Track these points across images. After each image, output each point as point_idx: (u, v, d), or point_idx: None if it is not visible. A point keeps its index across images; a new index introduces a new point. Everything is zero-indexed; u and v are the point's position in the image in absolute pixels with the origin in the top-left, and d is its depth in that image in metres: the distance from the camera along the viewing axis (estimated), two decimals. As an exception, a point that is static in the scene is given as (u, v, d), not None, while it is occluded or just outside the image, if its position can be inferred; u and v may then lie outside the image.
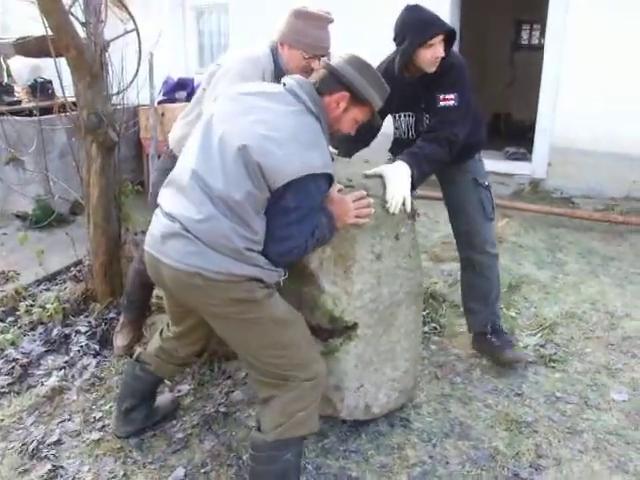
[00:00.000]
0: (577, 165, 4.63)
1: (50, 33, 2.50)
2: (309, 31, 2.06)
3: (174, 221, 1.60)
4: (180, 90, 4.67)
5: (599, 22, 4.43)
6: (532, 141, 5.08)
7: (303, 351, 1.72)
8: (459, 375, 2.52)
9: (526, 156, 5.19)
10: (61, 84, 2.81)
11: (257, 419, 1.82)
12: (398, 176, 1.95)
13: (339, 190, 1.82)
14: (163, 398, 2.34)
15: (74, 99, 2.75)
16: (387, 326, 2.07)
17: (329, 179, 1.62)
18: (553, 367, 2.53)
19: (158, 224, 1.67)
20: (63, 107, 3.03)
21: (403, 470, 2.00)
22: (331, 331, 2.01)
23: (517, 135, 5.84)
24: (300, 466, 1.82)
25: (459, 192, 2.47)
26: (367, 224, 1.89)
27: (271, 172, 1.51)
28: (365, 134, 2.49)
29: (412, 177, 1.98)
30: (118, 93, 3.03)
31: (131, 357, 2.30)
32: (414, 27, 2.14)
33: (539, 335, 2.76)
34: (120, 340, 2.66)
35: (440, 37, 2.13)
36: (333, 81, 1.66)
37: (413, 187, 1.99)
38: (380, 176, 1.98)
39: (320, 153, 1.58)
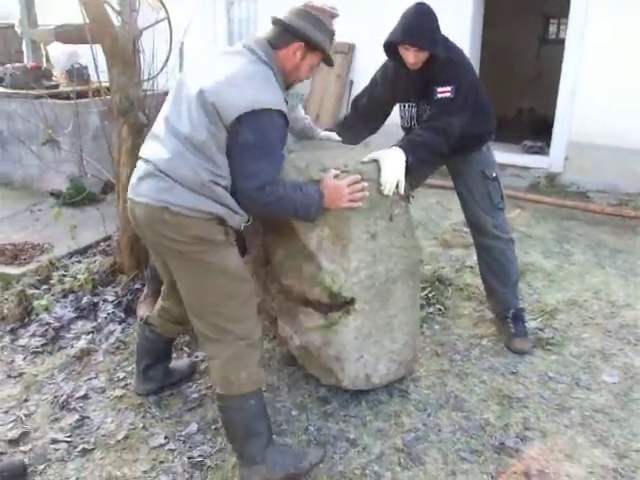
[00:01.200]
0: (594, 160, 4.66)
1: (87, 22, 2.71)
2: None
3: (148, 163, 1.77)
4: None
5: (618, 19, 4.44)
6: (550, 135, 5.13)
7: (243, 308, 1.85)
8: (459, 353, 2.65)
9: (544, 150, 5.23)
10: (96, 70, 3.02)
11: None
12: (392, 160, 2.08)
13: (335, 175, 1.95)
14: (181, 362, 2.55)
15: (108, 84, 2.96)
16: (384, 301, 2.22)
17: (283, 116, 1.75)
18: (549, 350, 2.64)
19: (137, 170, 1.85)
20: (98, 91, 3.25)
21: (398, 435, 2.16)
22: (330, 306, 2.16)
23: (541, 129, 5.86)
24: (266, 408, 1.95)
25: (467, 183, 2.60)
26: (362, 207, 2.02)
27: (224, 108, 1.66)
28: (371, 122, 2.67)
29: (407, 162, 2.11)
30: (149, 79, 3.23)
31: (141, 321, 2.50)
32: (395, 25, 2.32)
33: (539, 320, 2.87)
34: (143, 310, 2.86)
35: (408, 46, 2.27)
36: (288, 34, 1.84)
37: (409, 172, 2.12)
38: (376, 161, 2.11)
39: (271, 93, 1.74)
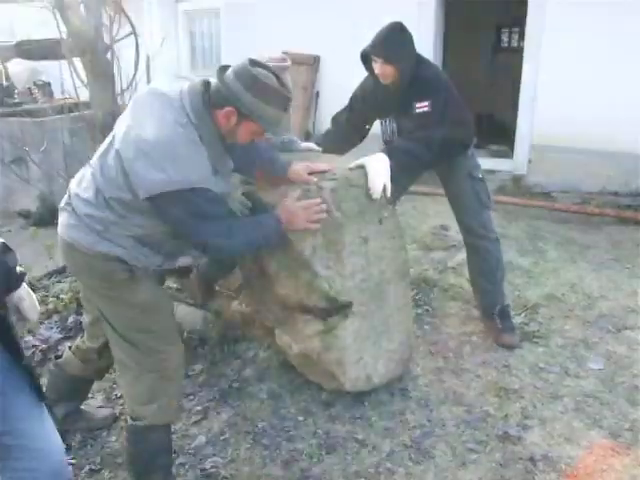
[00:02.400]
0: (555, 162, 4.91)
1: (63, 37, 2.68)
2: None
3: (68, 194, 1.78)
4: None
5: (575, 26, 4.72)
6: (513, 140, 5.36)
7: (152, 340, 1.79)
8: (451, 351, 2.74)
9: (508, 153, 5.46)
10: (74, 86, 2.99)
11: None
12: (378, 165, 2.16)
13: (298, 196, 1.99)
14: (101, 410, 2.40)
15: (75, 100, 2.93)
16: (379, 302, 2.28)
17: (204, 191, 1.61)
18: (536, 342, 2.76)
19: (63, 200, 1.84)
20: (68, 108, 3.20)
21: (405, 432, 2.21)
22: (329, 310, 2.21)
23: (501, 134, 6.11)
24: (171, 446, 1.94)
25: (456, 186, 2.72)
26: (352, 213, 2.10)
27: (137, 184, 1.59)
28: (353, 136, 2.79)
29: (391, 167, 2.19)
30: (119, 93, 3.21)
31: None
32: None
33: (523, 315, 3.00)
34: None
35: (376, 58, 2.44)
36: (221, 96, 1.62)
37: (392, 177, 2.20)
38: (363, 167, 2.18)
39: (195, 168, 1.59)
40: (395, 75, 2.45)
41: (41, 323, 2.97)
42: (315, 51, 6.10)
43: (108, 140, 1.75)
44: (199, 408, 2.38)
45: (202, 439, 2.20)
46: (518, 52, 7.85)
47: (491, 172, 5.16)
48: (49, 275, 3.42)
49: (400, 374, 2.47)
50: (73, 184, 1.79)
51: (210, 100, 1.64)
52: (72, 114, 3.41)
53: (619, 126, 4.58)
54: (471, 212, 2.70)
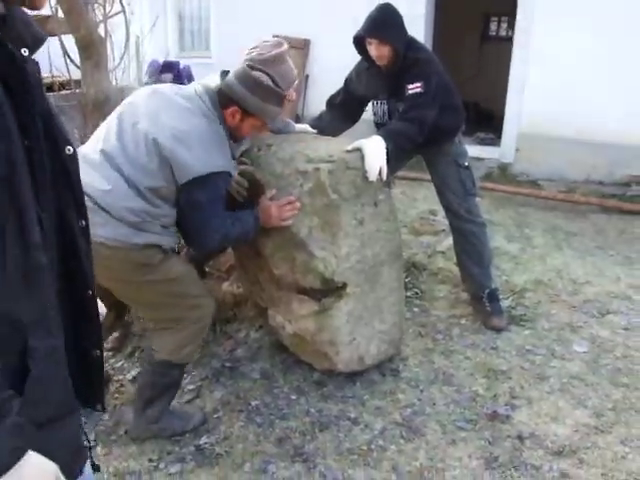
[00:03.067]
0: (542, 151, 4.97)
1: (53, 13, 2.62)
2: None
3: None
4: (166, 73, 4.76)
5: (564, 16, 4.76)
6: (499, 128, 5.41)
7: (191, 299, 2.00)
8: (440, 333, 2.79)
9: (495, 141, 5.52)
10: (67, 62, 2.93)
11: (151, 339, 2.15)
12: (374, 148, 2.17)
13: (271, 195, 2.09)
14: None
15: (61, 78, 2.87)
16: (373, 284, 2.31)
17: (229, 176, 1.90)
18: (523, 326, 2.82)
19: None
20: (58, 86, 3.14)
21: (396, 411, 2.25)
22: (324, 291, 2.23)
23: (487, 123, 6.17)
24: (180, 383, 2.18)
25: (442, 173, 2.76)
26: (349, 195, 2.14)
27: (179, 169, 1.74)
28: (347, 118, 2.80)
29: (387, 149, 2.22)
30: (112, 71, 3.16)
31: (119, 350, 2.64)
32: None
33: (510, 299, 3.06)
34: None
35: (371, 40, 2.45)
36: (226, 97, 1.85)
37: (388, 159, 2.22)
38: (359, 149, 2.19)
39: (223, 156, 1.83)
40: (390, 55, 2.46)
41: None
42: (305, 34, 6.06)
43: (117, 127, 1.81)
44: (192, 387, 2.39)
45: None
46: (506, 41, 7.93)
47: (478, 159, 5.21)
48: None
49: (391, 355, 2.51)
50: (88, 181, 1.74)
51: (218, 100, 1.86)
52: (61, 92, 3.34)
53: (605, 117, 4.66)
54: (456, 198, 2.74)
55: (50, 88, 3.86)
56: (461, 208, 2.75)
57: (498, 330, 2.78)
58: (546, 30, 4.83)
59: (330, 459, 2.00)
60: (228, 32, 6.23)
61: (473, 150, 5.35)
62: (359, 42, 2.54)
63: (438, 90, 2.47)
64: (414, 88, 2.43)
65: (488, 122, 6.20)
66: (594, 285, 3.22)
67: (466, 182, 2.73)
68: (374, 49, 2.46)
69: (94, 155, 1.78)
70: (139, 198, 1.75)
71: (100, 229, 1.69)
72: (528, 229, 3.99)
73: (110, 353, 2.63)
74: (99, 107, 2.79)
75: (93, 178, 1.72)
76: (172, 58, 6.17)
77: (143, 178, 1.74)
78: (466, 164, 2.75)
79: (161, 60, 5.02)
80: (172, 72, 4.90)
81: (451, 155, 2.72)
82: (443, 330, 2.81)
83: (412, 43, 2.51)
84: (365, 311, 2.31)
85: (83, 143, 3.06)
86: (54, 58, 3.71)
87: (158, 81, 4.92)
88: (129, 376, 2.48)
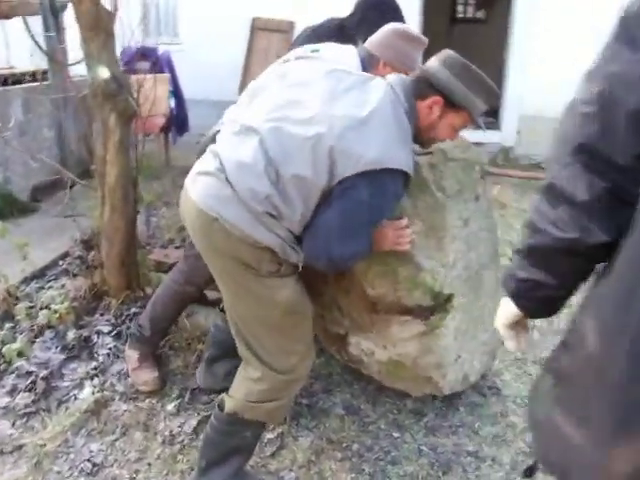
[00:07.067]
0: (544, 132, 4.81)
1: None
2: (411, 54, 1.89)
3: (216, 159, 1.48)
4: (142, 60, 4.20)
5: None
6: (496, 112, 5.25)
7: (291, 342, 1.59)
8: (521, 338, 2.52)
9: (495, 125, 5.34)
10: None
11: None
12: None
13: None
14: None
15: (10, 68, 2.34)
16: (477, 291, 2.03)
17: (407, 182, 1.47)
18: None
19: (202, 160, 1.55)
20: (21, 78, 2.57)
21: (517, 438, 1.97)
22: (432, 308, 1.91)
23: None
24: (255, 445, 1.74)
25: None
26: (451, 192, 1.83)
27: (344, 157, 1.37)
28: None
29: None
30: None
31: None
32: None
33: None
34: (147, 374, 2.19)
35: None
36: (426, 85, 1.51)
37: None
38: None
39: (405, 150, 1.44)
40: None
41: (32, 342, 2.40)
42: (290, 17, 5.60)
43: (275, 101, 1.48)
44: (271, 436, 1.97)
45: (291, 475, 1.82)
46: (476, 23, 7.84)
47: (479, 144, 5.01)
48: (26, 281, 2.79)
49: (490, 366, 2.22)
50: (222, 148, 1.49)
51: (412, 89, 1.51)
52: (27, 85, 2.75)
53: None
54: None
55: (19, 82, 3.24)
56: None
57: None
58: (546, 12, 4.67)
59: (474, 510, 1.68)
60: (198, 16, 5.67)
61: (474, 135, 5.18)
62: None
63: None
64: None
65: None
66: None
67: None
68: None
69: (251, 121, 1.47)
70: (273, 184, 1.39)
71: (219, 203, 1.42)
72: (558, 215, 3.82)
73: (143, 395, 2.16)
74: (110, 98, 2.27)
75: (233, 145, 1.47)
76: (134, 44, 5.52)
77: (289, 162, 1.38)
78: None
79: (134, 46, 4.44)
80: (149, 59, 4.34)
81: None
82: (522, 335, 2.54)
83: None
84: (471, 323, 2.02)
85: (89, 144, 2.57)
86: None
87: (132, 70, 4.35)
88: (188, 427, 2.03)
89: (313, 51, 1.76)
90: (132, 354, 2.22)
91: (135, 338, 2.24)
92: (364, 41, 1.98)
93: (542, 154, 4.89)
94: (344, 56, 1.88)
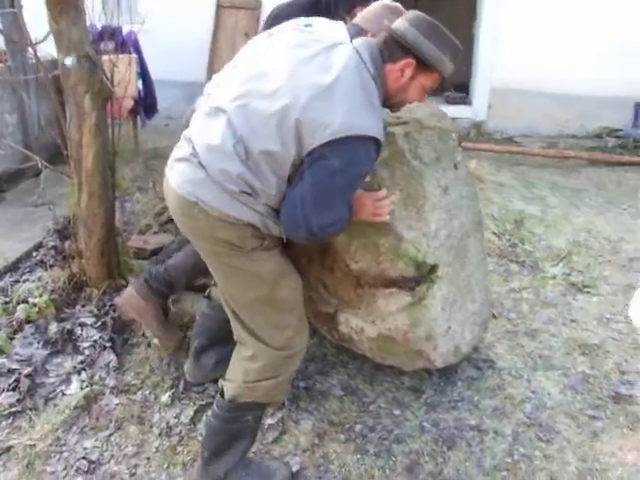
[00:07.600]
0: (516, 106, 4.88)
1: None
2: None
3: (190, 144, 1.47)
4: (107, 40, 3.98)
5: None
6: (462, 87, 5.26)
7: (283, 315, 1.58)
8: (510, 311, 2.56)
9: (465, 100, 5.34)
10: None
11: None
12: None
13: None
14: None
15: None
16: (462, 260, 2.02)
17: (379, 147, 1.42)
18: (588, 292, 2.67)
19: (178, 147, 1.54)
20: None
21: (516, 409, 1.99)
22: (417, 279, 1.90)
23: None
24: (257, 429, 1.72)
25: None
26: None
27: (310, 128, 1.33)
28: None
29: None
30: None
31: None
32: None
33: (561, 265, 2.90)
34: (172, 330, 2.19)
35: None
36: (397, 47, 1.45)
37: None
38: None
39: (374, 116, 1.39)
40: None
41: (11, 339, 2.28)
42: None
43: (242, 76, 1.46)
44: (272, 421, 1.93)
45: (296, 460, 1.79)
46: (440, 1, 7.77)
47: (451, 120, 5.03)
48: (0, 274, 2.65)
49: (482, 337, 2.23)
50: (194, 132, 1.48)
51: (380, 52, 1.46)
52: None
53: (577, 69, 4.63)
54: None
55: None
56: None
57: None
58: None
59: (482, 482, 1.69)
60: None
61: (445, 110, 5.18)
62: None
63: None
64: None
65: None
66: (629, 242, 3.16)
67: None
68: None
69: (220, 101, 1.45)
70: (244, 162, 1.38)
71: (196, 187, 1.42)
72: (535, 189, 3.88)
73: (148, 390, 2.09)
74: (84, 79, 2.15)
75: (204, 128, 1.46)
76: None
77: (258, 138, 1.36)
78: None
79: (99, 26, 4.21)
80: (115, 39, 4.12)
81: None
82: (511, 307, 2.58)
83: None
84: (458, 293, 2.00)
85: (61, 128, 2.43)
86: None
87: (97, 51, 4.14)
88: (184, 418, 1.97)
89: (307, 25, 1.68)
90: (149, 307, 2.11)
91: (156, 287, 2.11)
92: (342, 18, 1.94)
93: (514, 128, 4.94)
94: (334, 30, 1.83)
